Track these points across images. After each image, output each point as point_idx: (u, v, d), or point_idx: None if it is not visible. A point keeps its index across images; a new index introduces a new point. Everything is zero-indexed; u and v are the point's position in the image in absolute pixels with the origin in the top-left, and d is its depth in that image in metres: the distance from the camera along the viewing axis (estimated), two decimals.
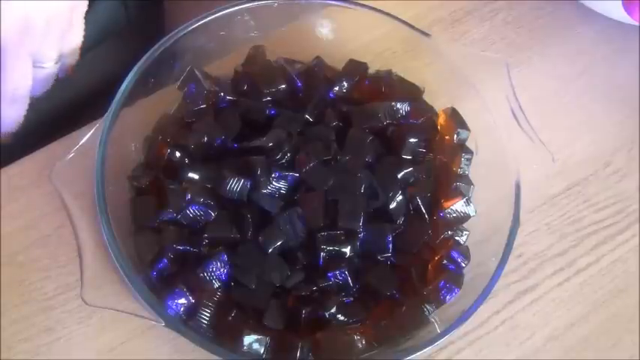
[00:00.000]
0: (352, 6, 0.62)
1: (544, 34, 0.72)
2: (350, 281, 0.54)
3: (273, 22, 0.64)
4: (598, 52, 0.72)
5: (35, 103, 0.60)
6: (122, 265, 0.51)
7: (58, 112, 0.69)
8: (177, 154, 0.57)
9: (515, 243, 0.54)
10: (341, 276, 0.53)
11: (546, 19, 0.73)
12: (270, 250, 0.54)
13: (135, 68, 0.56)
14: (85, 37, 0.61)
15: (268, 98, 0.60)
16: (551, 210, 0.64)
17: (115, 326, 0.55)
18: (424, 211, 0.57)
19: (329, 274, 0.53)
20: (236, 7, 0.60)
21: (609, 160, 0.67)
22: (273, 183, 0.55)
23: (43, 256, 0.57)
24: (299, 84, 0.61)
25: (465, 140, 0.60)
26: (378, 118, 0.59)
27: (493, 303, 0.59)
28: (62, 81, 0.62)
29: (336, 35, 0.65)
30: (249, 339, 0.51)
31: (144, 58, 0.57)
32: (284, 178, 0.55)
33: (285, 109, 0.59)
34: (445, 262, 0.55)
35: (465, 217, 0.57)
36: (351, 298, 0.55)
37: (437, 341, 0.51)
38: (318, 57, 0.63)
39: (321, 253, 0.54)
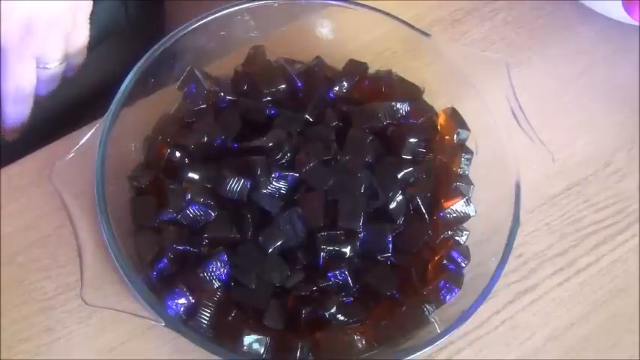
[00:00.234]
0: (352, 6, 0.62)
1: (544, 34, 0.72)
2: (350, 281, 0.54)
3: (273, 22, 0.64)
4: (598, 52, 0.72)
5: (37, 103, 0.61)
6: (122, 265, 0.51)
7: (59, 111, 0.69)
8: (177, 154, 0.57)
9: (515, 243, 0.54)
10: (341, 276, 0.53)
11: (546, 19, 0.73)
12: (270, 250, 0.54)
13: (135, 68, 0.57)
14: None
15: (268, 98, 0.60)
16: (551, 210, 0.64)
17: (115, 326, 0.55)
18: (424, 211, 0.57)
19: (329, 274, 0.53)
20: (236, 7, 0.60)
21: (609, 160, 0.67)
22: (273, 183, 0.55)
23: (43, 256, 0.57)
24: (299, 84, 0.61)
25: (464, 140, 0.60)
26: (378, 118, 0.59)
27: (493, 303, 0.59)
28: (62, 80, 0.62)
29: (336, 35, 0.65)
30: (249, 339, 0.51)
31: (144, 58, 0.57)
32: (284, 178, 0.55)
33: (285, 109, 0.59)
34: (445, 262, 0.55)
35: (465, 217, 0.57)
36: (351, 298, 0.55)
37: (437, 341, 0.51)
38: (318, 57, 0.63)
39: (321, 253, 0.54)
